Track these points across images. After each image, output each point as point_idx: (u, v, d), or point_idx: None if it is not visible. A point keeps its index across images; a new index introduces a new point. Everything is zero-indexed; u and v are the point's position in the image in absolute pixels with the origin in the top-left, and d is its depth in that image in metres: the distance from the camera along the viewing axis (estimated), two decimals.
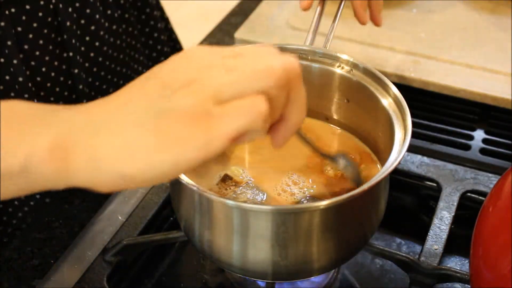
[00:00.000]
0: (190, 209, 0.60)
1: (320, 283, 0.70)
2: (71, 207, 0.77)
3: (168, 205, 0.77)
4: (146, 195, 0.77)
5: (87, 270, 0.68)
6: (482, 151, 0.85)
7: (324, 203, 0.54)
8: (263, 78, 0.44)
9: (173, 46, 1.09)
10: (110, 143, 0.42)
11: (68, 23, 0.81)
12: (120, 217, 0.74)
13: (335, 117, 0.72)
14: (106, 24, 0.87)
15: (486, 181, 0.77)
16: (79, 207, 0.77)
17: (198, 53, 0.46)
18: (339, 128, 0.72)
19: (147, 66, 0.99)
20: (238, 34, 1.00)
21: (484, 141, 0.87)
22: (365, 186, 0.55)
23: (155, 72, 0.46)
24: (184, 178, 0.55)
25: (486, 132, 0.88)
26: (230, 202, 0.56)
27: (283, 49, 0.69)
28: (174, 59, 0.46)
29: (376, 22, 0.76)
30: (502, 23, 1.00)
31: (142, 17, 0.97)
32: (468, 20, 1.02)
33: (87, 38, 0.85)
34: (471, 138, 0.87)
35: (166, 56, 1.04)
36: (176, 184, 0.62)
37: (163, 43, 1.02)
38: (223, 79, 0.44)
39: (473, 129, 0.89)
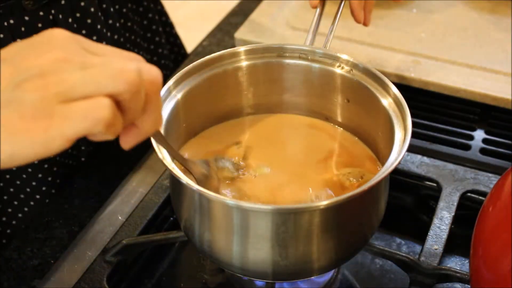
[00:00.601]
0: (190, 209, 0.60)
1: (320, 283, 0.70)
2: (71, 207, 0.77)
3: (168, 205, 0.77)
4: (146, 195, 0.77)
5: (87, 270, 0.68)
6: (482, 151, 0.85)
7: (324, 203, 0.55)
8: (114, 81, 0.43)
9: (178, 51, 1.08)
10: None
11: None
12: (120, 217, 0.74)
13: (335, 117, 0.72)
14: (108, 34, 0.86)
15: (486, 181, 0.77)
16: (79, 207, 0.77)
17: (58, 41, 0.45)
18: (339, 128, 0.72)
19: None
20: (238, 34, 1.00)
21: (484, 141, 0.87)
22: (365, 186, 0.55)
23: (11, 53, 0.45)
24: (184, 178, 0.55)
25: (486, 132, 0.88)
26: (230, 202, 0.56)
27: (283, 49, 0.70)
28: (32, 42, 0.45)
29: (366, 22, 0.76)
30: (502, 23, 1.00)
31: (144, 22, 0.97)
32: (468, 20, 1.02)
33: None
34: (471, 138, 0.87)
35: (169, 59, 1.04)
36: (176, 184, 0.62)
37: (164, 47, 1.02)
38: (73, 77, 0.43)
39: (473, 129, 0.89)
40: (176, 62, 1.07)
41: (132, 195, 0.77)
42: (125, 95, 0.44)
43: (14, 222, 0.83)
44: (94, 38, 0.84)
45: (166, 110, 0.63)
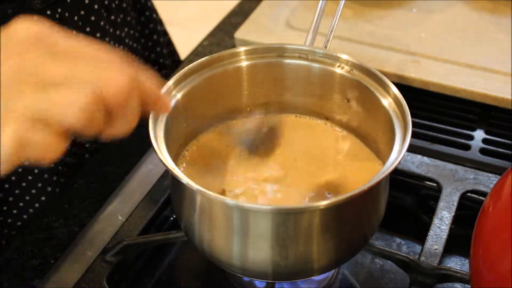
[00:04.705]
0: (190, 209, 0.60)
1: (320, 283, 0.70)
2: (71, 207, 0.77)
3: (168, 205, 0.77)
4: (146, 195, 0.77)
5: (87, 270, 0.68)
6: (482, 151, 0.85)
7: (324, 203, 0.54)
8: (65, 118, 0.43)
9: (173, 51, 1.09)
10: None
11: (74, 32, 0.81)
12: (120, 217, 0.74)
13: (335, 117, 0.72)
14: (111, 30, 0.87)
15: (486, 181, 0.77)
16: (79, 207, 0.77)
17: (19, 44, 0.44)
18: (339, 128, 0.72)
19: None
20: (238, 34, 1.00)
21: (484, 141, 0.87)
22: (365, 186, 0.55)
23: None
24: (184, 178, 0.55)
25: (486, 132, 0.88)
26: (230, 202, 0.56)
27: (283, 49, 0.70)
28: (14, 44, 0.44)
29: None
30: (502, 23, 1.00)
31: (142, 19, 0.97)
32: (468, 20, 1.02)
33: None
34: (471, 138, 0.87)
35: (164, 57, 1.04)
36: (176, 184, 0.62)
37: (162, 45, 1.02)
38: (25, 101, 0.43)
39: (473, 129, 0.89)
40: (173, 60, 1.07)
41: (132, 195, 0.77)
42: (77, 126, 0.44)
43: (19, 223, 0.83)
44: (98, 35, 0.85)
45: None
